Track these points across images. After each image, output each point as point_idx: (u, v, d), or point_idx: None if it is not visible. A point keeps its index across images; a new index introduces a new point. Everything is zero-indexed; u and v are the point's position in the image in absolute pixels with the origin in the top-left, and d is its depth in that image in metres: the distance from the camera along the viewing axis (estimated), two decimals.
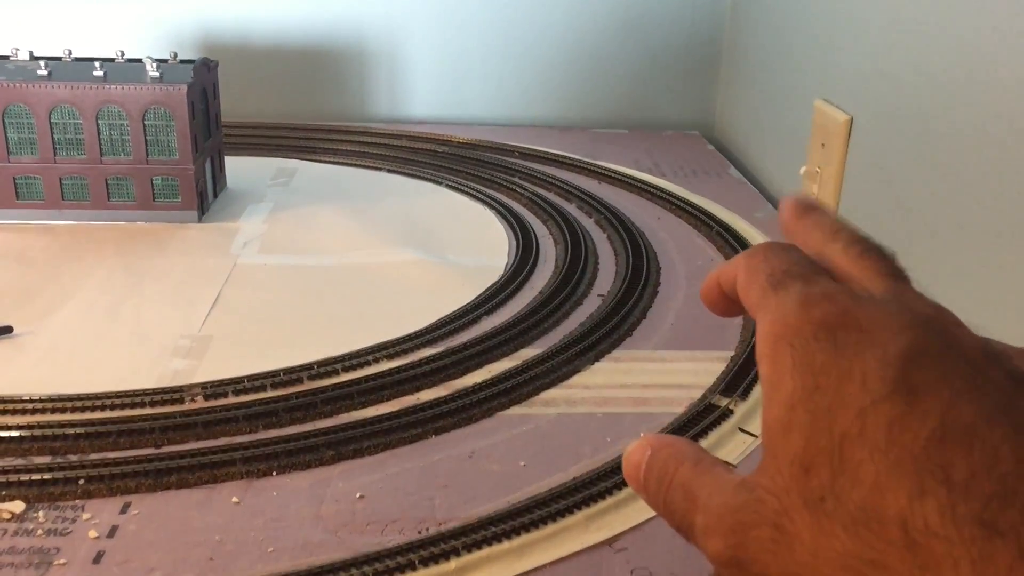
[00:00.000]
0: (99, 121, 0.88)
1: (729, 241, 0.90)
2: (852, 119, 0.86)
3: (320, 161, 1.16)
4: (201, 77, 0.93)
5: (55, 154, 0.89)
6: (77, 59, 0.94)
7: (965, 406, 0.22)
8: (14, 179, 0.89)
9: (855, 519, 0.22)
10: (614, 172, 1.12)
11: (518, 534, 0.48)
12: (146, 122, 0.89)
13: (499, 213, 0.98)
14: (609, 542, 0.48)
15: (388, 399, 0.61)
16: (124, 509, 0.50)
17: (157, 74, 0.89)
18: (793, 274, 0.28)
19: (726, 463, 0.28)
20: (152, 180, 0.90)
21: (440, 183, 1.08)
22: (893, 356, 0.24)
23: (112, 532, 0.48)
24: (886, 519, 0.22)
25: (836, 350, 0.25)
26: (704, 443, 0.56)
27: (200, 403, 0.60)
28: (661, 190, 1.05)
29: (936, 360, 0.24)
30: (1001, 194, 0.62)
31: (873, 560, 0.22)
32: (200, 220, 0.93)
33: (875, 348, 0.24)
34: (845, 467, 0.23)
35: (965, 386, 0.23)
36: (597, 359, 0.68)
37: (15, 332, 0.69)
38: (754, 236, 0.92)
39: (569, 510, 0.50)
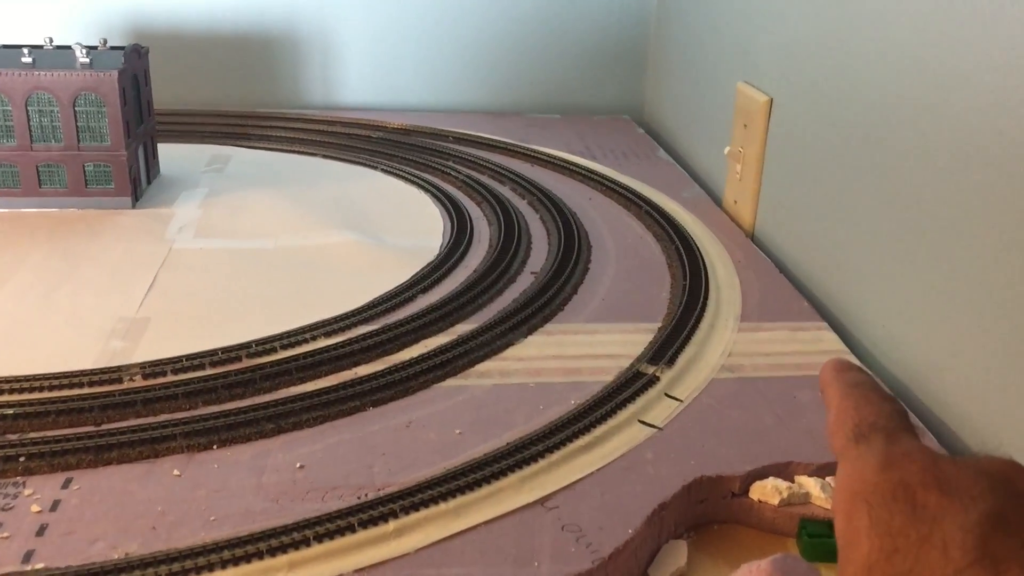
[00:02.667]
0: (29, 108, 0.88)
1: (657, 220, 0.92)
2: (772, 100, 0.89)
3: (254, 148, 1.16)
4: (132, 63, 0.93)
5: None
6: (4, 46, 0.93)
7: None
8: None
9: None
10: (546, 155, 1.14)
11: (454, 496, 0.50)
12: (77, 108, 0.88)
13: (434, 196, 1.00)
14: (541, 501, 0.50)
15: (326, 375, 0.63)
16: (66, 484, 0.51)
17: (87, 60, 0.88)
18: (878, 428, 0.28)
19: None
20: (84, 166, 0.90)
21: (375, 167, 1.09)
22: (974, 523, 0.23)
23: (55, 506, 0.49)
24: None
25: (915, 513, 0.24)
26: (632, 408, 0.59)
27: (139, 382, 0.60)
28: (592, 172, 1.08)
29: (1014, 527, 0.24)
30: (919, 171, 0.66)
31: None
32: (134, 206, 0.93)
33: (956, 514, 0.24)
34: None
35: None
36: (530, 332, 0.70)
37: None
38: (682, 215, 0.95)
39: (503, 472, 0.52)
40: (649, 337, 0.69)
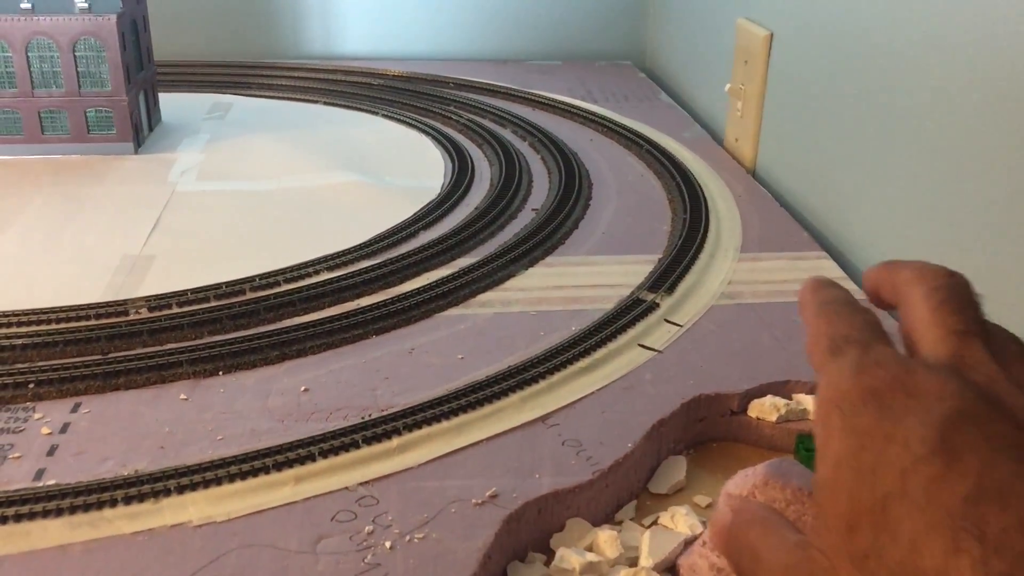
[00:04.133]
0: (29, 54, 0.88)
1: (658, 158, 0.92)
2: (772, 35, 0.89)
3: (256, 96, 1.16)
4: (131, 8, 0.93)
5: None
6: None
7: (1003, 465, 0.23)
8: None
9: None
10: (547, 99, 1.14)
11: (456, 414, 0.51)
12: (77, 53, 0.88)
13: (435, 139, 1.00)
14: (542, 419, 0.51)
15: (329, 306, 0.63)
16: (75, 409, 0.51)
17: (86, 5, 0.88)
18: (852, 340, 0.28)
19: (794, 525, 0.29)
20: (86, 112, 0.90)
21: (376, 113, 1.09)
22: (936, 418, 0.24)
23: (64, 428, 0.50)
24: (924, 575, 0.23)
25: (881, 413, 0.25)
26: (632, 332, 0.60)
27: (145, 314, 0.61)
28: (593, 114, 1.08)
29: (979, 423, 0.24)
30: (920, 102, 0.66)
31: None
32: (136, 152, 0.93)
33: (919, 412, 0.24)
34: (887, 525, 0.24)
35: (1006, 446, 0.23)
36: (531, 265, 0.70)
37: None
38: (683, 153, 0.95)
39: (505, 393, 0.53)
40: (649, 268, 0.69)
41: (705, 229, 0.75)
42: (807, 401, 0.54)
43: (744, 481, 0.39)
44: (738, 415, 0.54)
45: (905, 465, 0.24)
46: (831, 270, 0.70)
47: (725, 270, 0.69)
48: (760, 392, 0.54)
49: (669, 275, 0.67)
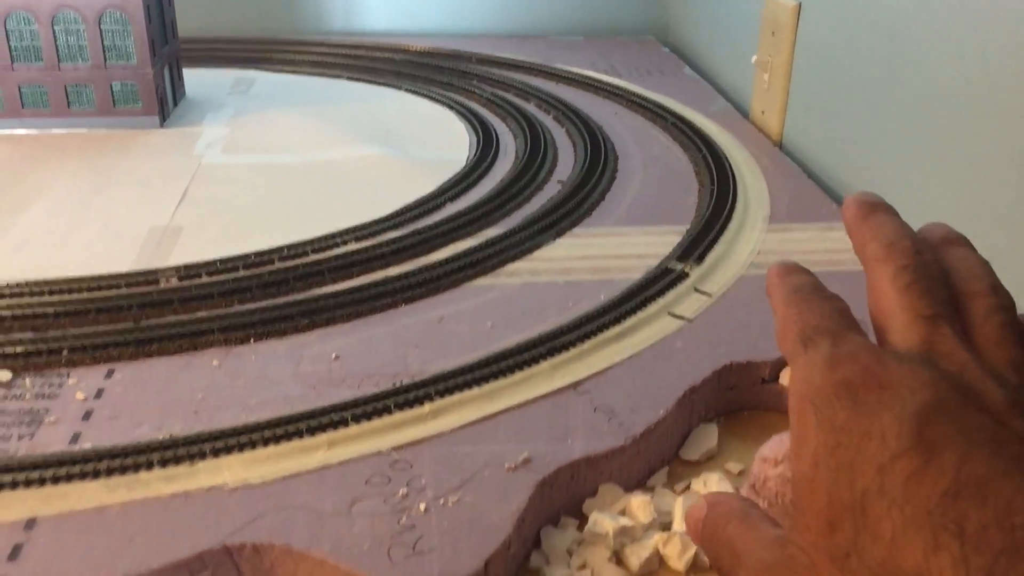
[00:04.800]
0: (55, 27, 0.88)
1: (684, 131, 0.92)
2: (800, 5, 0.88)
3: (278, 71, 1.16)
4: None
5: (12, 61, 0.88)
6: None
7: (981, 460, 0.22)
8: None
9: (876, 575, 0.23)
10: (571, 73, 1.13)
11: (487, 381, 0.51)
12: (102, 27, 0.88)
13: (458, 112, 1.00)
14: (573, 386, 0.51)
15: (357, 275, 0.63)
16: (108, 375, 0.52)
17: None
18: (822, 330, 0.28)
19: (773, 520, 0.29)
20: (111, 86, 0.90)
21: (399, 88, 1.09)
22: (910, 413, 0.24)
23: (99, 394, 0.50)
24: (904, 574, 0.22)
25: (856, 408, 0.25)
26: (662, 301, 0.59)
27: (175, 283, 0.61)
28: (617, 88, 1.07)
29: (953, 415, 0.24)
30: (950, 70, 0.65)
31: None
32: (161, 126, 0.93)
33: (893, 406, 0.24)
34: (867, 523, 0.23)
35: (983, 439, 0.23)
36: (558, 236, 0.70)
37: None
38: (709, 126, 0.94)
39: (535, 360, 0.53)
40: (677, 239, 0.69)
41: (733, 200, 0.75)
42: None
43: (779, 446, 0.39)
44: (769, 383, 0.54)
45: (882, 461, 0.23)
46: None
47: (754, 240, 0.69)
48: None
49: (698, 245, 0.67)
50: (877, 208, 0.31)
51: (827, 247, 0.68)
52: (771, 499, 0.37)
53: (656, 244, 0.68)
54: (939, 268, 0.29)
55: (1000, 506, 0.22)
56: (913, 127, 0.69)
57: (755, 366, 0.53)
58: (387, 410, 0.48)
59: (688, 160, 0.86)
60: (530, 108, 1.01)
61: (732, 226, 0.71)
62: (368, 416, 0.47)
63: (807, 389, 0.26)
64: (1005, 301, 0.28)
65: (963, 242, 0.31)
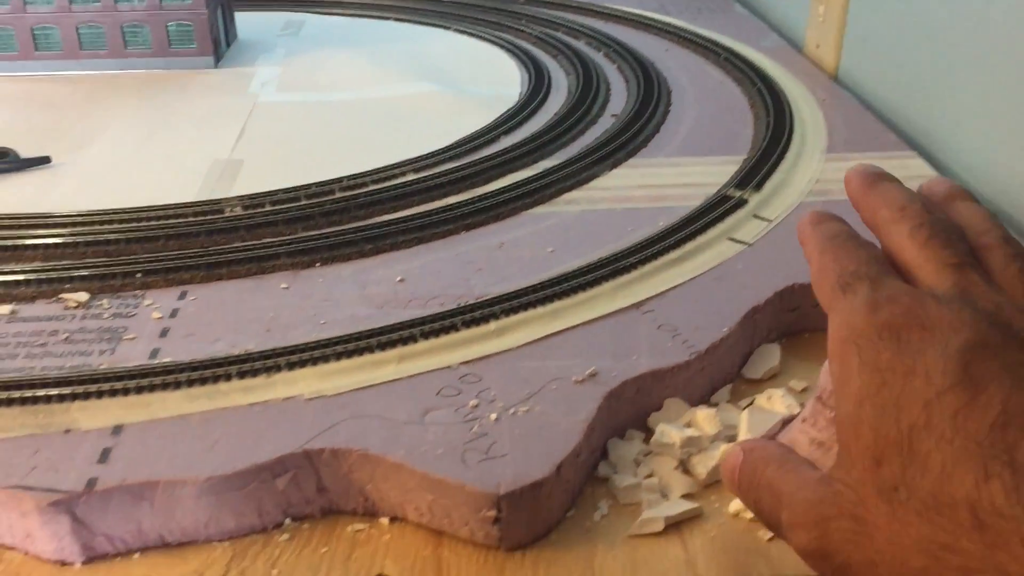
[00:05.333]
0: None
1: (737, 65, 0.91)
2: None
3: (327, 13, 1.16)
4: None
5: (70, 3, 0.90)
6: None
7: None
8: (32, 29, 0.90)
9: (927, 505, 0.23)
10: (620, 11, 1.12)
11: (551, 301, 0.51)
12: None
13: (508, 51, 0.99)
14: (635, 306, 0.52)
15: (417, 204, 0.64)
16: (181, 296, 0.53)
17: None
18: (860, 275, 0.28)
19: (810, 462, 0.30)
20: (167, 26, 0.91)
21: (448, 28, 1.09)
22: (954, 350, 0.24)
23: (174, 313, 0.51)
24: (955, 503, 0.23)
25: (900, 348, 0.25)
26: (721, 227, 0.59)
27: (239, 212, 0.63)
28: (668, 25, 1.06)
29: (996, 351, 0.24)
30: (1014, 1, 0.64)
31: (946, 543, 0.23)
32: (216, 66, 0.94)
33: (937, 345, 0.25)
34: (914, 457, 0.24)
35: None
36: (614, 166, 0.70)
37: (52, 163, 0.71)
38: (762, 61, 0.93)
39: (597, 281, 0.53)
40: (734, 168, 0.69)
41: (790, 131, 0.74)
42: None
43: None
44: None
45: (929, 398, 0.24)
46: (921, 168, 0.69)
47: (813, 169, 0.68)
48: None
49: (756, 173, 0.66)
50: (881, 177, 0.33)
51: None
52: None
53: (713, 173, 0.68)
54: (954, 223, 0.30)
55: None
56: (975, 52, 0.68)
57: None
58: (454, 327, 0.49)
59: (742, 93, 0.85)
60: (580, 46, 1.00)
61: (790, 155, 0.70)
62: (436, 333, 0.48)
63: (849, 332, 0.27)
64: (1019, 249, 0.29)
65: (967, 196, 0.32)
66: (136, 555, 0.39)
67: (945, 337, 0.25)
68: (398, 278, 0.55)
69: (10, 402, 0.43)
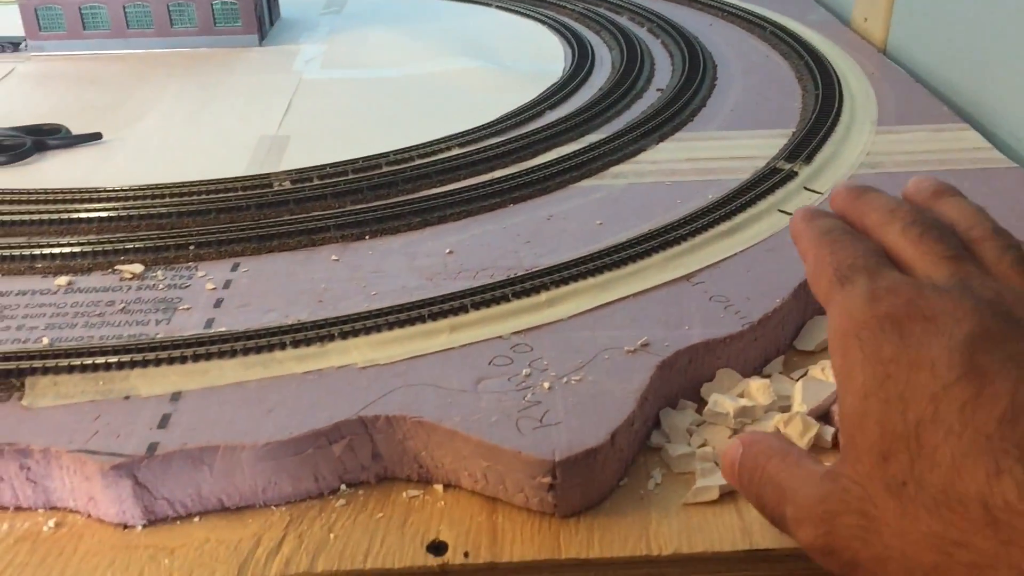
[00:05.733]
0: None
1: (783, 39, 0.90)
2: None
3: None
4: None
5: None
6: None
7: None
8: (79, 8, 0.91)
9: (937, 501, 0.23)
10: None
11: (601, 272, 0.51)
12: None
13: (551, 27, 0.99)
14: (686, 277, 0.51)
15: (464, 178, 0.64)
16: (234, 268, 0.54)
17: None
18: (858, 267, 0.28)
19: (813, 456, 0.29)
20: (212, 5, 0.92)
21: (490, 5, 1.09)
22: (958, 342, 0.24)
23: (227, 285, 0.52)
24: (967, 499, 0.22)
25: (903, 340, 0.25)
26: (771, 199, 0.59)
27: (288, 186, 0.63)
28: (711, 0, 1.05)
29: (1000, 341, 0.24)
30: None
31: (958, 540, 0.22)
32: (260, 44, 0.95)
33: (941, 336, 0.24)
34: (922, 451, 0.23)
35: None
36: (661, 140, 0.70)
37: (103, 139, 0.72)
38: (809, 35, 0.92)
39: (648, 253, 0.53)
40: (783, 141, 0.68)
41: (839, 104, 0.73)
42: None
43: None
44: None
45: (935, 391, 0.24)
46: (974, 140, 0.68)
47: (863, 142, 0.67)
48: None
49: (805, 146, 0.66)
50: (867, 188, 0.32)
51: (940, 147, 0.67)
52: None
53: (762, 147, 0.67)
54: (943, 219, 0.30)
55: None
56: None
57: None
58: (505, 298, 0.49)
59: (789, 67, 0.84)
60: (623, 21, 1.00)
61: (839, 129, 0.69)
62: (487, 303, 0.48)
63: (849, 324, 0.27)
64: (1010, 240, 0.29)
65: (954, 192, 0.32)
66: (196, 518, 0.40)
67: (948, 328, 0.25)
68: (447, 250, 0.55)
69: (71, 369, 0.44)
